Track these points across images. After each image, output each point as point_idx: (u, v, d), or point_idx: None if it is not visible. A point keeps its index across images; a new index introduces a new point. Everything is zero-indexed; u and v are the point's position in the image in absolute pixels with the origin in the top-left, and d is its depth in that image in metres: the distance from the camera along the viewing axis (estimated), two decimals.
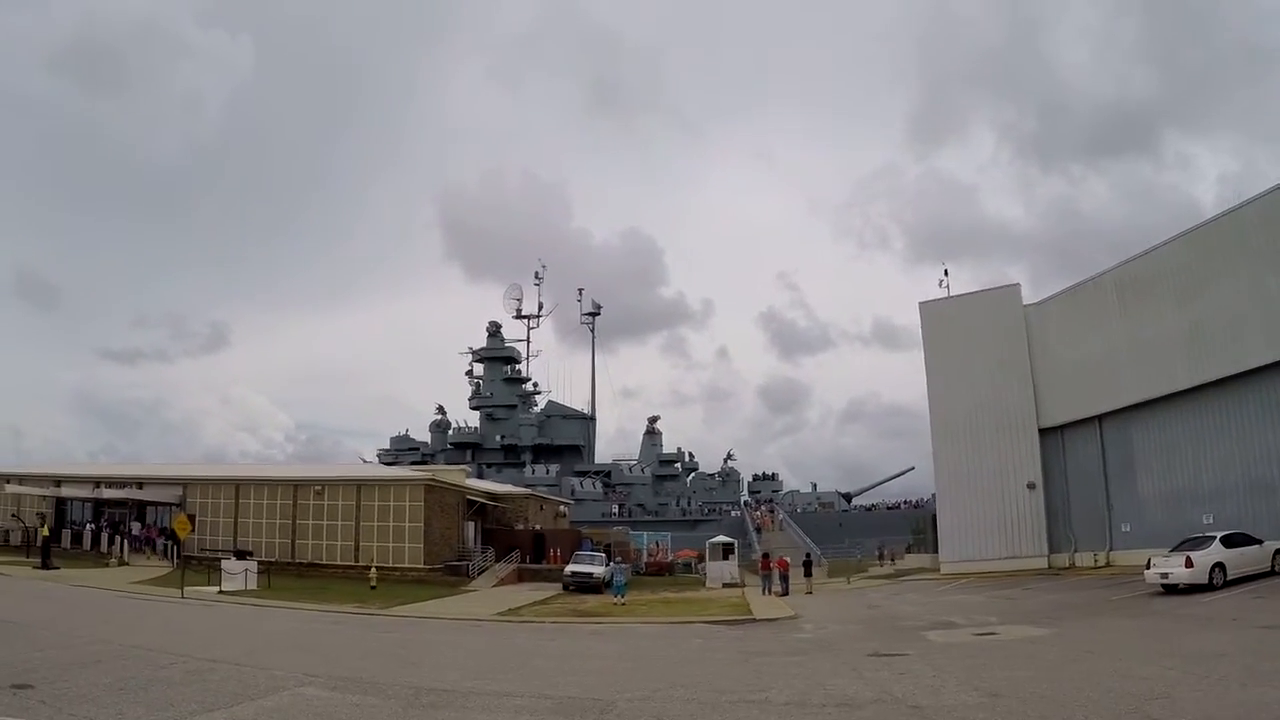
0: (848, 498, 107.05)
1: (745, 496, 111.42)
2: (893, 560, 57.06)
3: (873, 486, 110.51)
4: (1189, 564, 23.62)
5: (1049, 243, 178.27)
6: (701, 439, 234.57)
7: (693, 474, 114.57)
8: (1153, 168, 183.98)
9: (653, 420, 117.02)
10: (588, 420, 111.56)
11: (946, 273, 48.32)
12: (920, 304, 45.42)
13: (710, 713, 10.62)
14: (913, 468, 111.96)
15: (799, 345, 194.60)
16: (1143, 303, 35.68)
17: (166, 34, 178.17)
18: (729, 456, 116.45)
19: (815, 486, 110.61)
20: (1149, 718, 9.57)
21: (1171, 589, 23.95)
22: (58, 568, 37.17)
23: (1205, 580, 23.39)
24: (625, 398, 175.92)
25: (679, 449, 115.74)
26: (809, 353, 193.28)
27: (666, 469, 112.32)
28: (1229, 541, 24.77)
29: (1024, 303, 42.66)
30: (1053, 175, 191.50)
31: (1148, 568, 24.82)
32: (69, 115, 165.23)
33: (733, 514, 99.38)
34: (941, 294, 46.53)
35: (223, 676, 12.73)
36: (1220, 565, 23.85)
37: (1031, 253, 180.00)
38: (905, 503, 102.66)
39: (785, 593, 35.73)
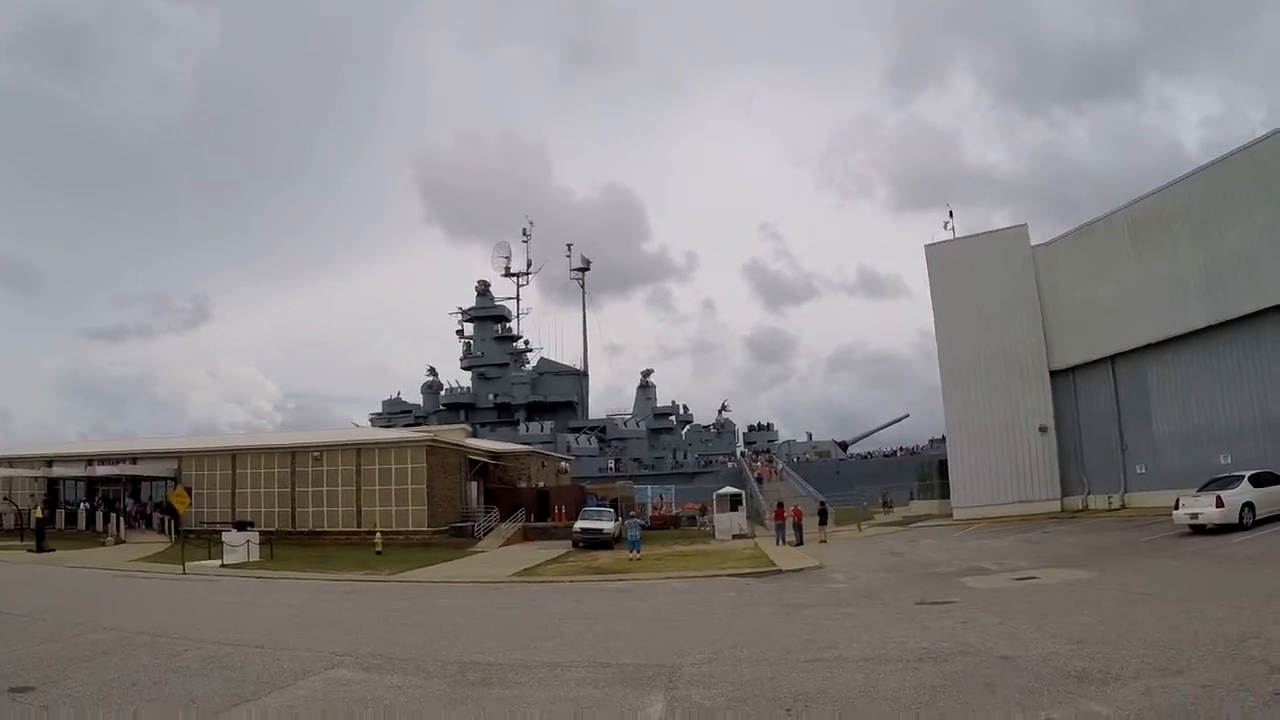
0: (844, 446, 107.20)
1: (741, 448, 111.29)
2: (891, 507, 56.83)
3: (868, 435, 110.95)
4: (1219, 504, 23.43)
5: (1033, 187, 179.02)
6: (691, 392, 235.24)
7: (688, 426, 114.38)
8: (1135, 110, 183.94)
9: (646, 374, 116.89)
10: (580, 376, 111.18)
11: (951, 214, 47.04)
12: (926, 246, 44.76)
13: (787, 672, 9.95)
14: (907, 415, 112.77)
15: (784, 296, 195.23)
16: (1157, 241, 35.11)
17: (133, 11, 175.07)
18: (724, 408, 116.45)
19: (811, 436, 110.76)
20: (1254, 659, 9.07)
21: (1199, 529, 23.83)
22: (53, 549, 36.37)
23: (1236, 520, 23.27)
24: (612, 353, 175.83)
25: (673, 402, 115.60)
26: (794, 303, 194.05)
27: (661, 422, 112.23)
28: (1257, 481, 24.62)
29: (1032, 243, 42.06)
30: (1035, 119, 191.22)
31: (1176, 508, 24.60)
32: (38, 97, 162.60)
33: (729, 465, 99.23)
34: (946, 236, 45.99)
35: (243, 662, 11.66)
36: (1250, 505, 23.74)
37: (1016, 197, 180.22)
38: (901, 449, 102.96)
39: (800, 542, 35.34)
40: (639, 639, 13.05)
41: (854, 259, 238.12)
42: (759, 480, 70.96)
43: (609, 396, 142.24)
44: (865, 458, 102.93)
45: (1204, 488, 24.77)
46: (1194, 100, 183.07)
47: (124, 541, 41.61)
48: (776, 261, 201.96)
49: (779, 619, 14.83)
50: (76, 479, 49.16)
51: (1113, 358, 37.73)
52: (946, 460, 47.15)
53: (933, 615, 13.86)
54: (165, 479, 47.68)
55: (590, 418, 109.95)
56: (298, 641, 13.61)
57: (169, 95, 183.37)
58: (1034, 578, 18.59)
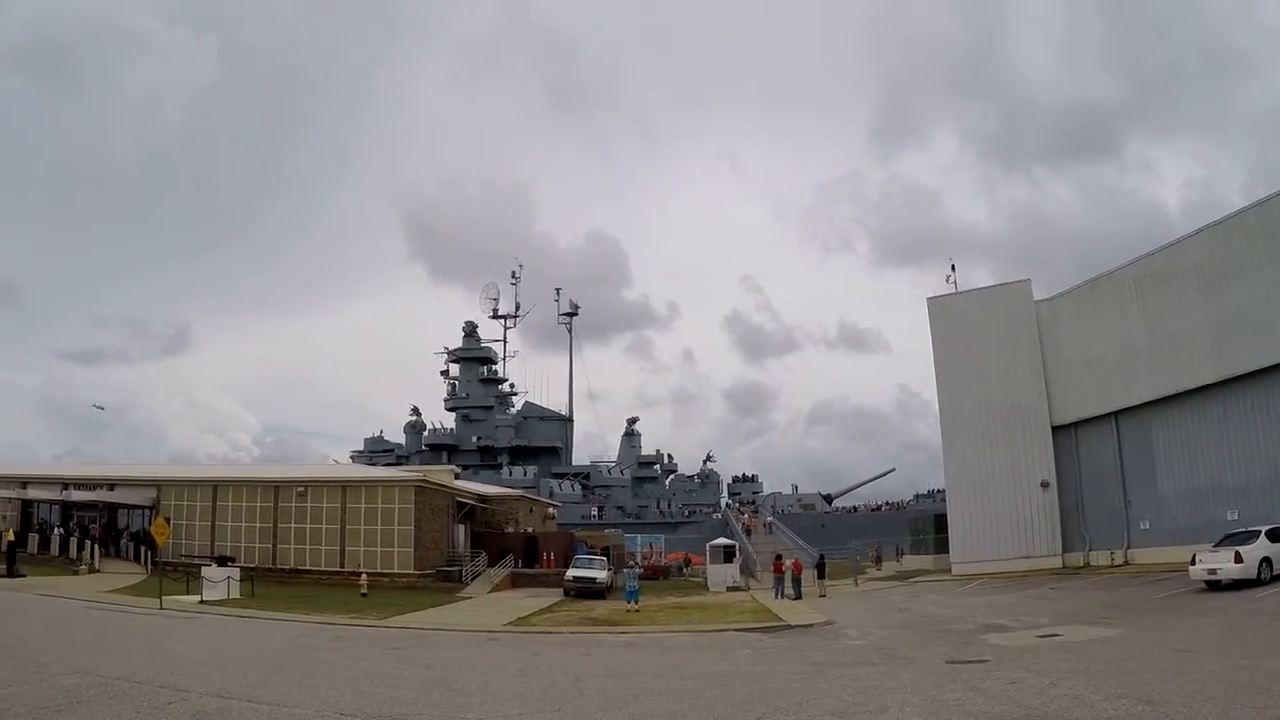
0: (829, 499, 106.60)
1: (726, 499, 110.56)
2: (879, 563, 56.22)
3: (853, 488, 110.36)
4: (1238, 559, 22.96)
5: (1012, 244, 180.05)
6: (670, 441, 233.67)
7: (672, 476, 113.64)
8: (1116, 171, 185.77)
9: (632, 421, 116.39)
10: (565, 422, 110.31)
11: (954, 268, 47.10)
12: (928, 299, 44.77)
13: None
14: (893, 469, 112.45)
15: (765, 348, 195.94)
16: (1164, 297, 35.01)
17: (124, 32, 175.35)
18: (709, 458, 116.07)
19: (796, 488, 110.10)
20: None
21: (1214, 585, 23.35)
22: (24, 575, 35.42)
23: (1254, 575, 22.83)
24: (591, 400, 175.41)
25: (658, 450, 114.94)
26: (775, 355, 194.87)
27: (646, 471, 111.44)
28: (1274, 535, 24.16)
29: (1035, 298, 41.89)
30: (1015, 177, 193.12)
31: (1193, 564, 24.10)
32: (24, 113, 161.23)
33: (714, 516, 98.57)
34: (946, 290, 45.90)
35: None
36: (1267, 560, 23.33)
37: (996, 255, 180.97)
38: (887, 504, 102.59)
39: (799, 596, 34.66)
40: (671, 701, 12.14)
41: (835, 313, 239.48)
42: (746, 532, 70.30)
43: (589, 443, 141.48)
44: (851, 511, 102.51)
45: (1220, 543, 24.30)
46: (1175, 162, 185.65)
47: (98, 570, 40.40)
48: (758, 314, 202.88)
49: (810, 679, 14.07)
50: (51, 503, 47.91)
51: (1116, 413, 37.42)
52: (940, 514, 46.78)
53: (974, 675, 13.17)
54: (143, 507, 46.59)
55: (574, 463, 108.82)
56: (294, 696, 12.39)
57: (157, 119, 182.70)
58: (1059, 635, 18.00)
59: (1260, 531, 24.13)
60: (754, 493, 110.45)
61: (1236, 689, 10.35)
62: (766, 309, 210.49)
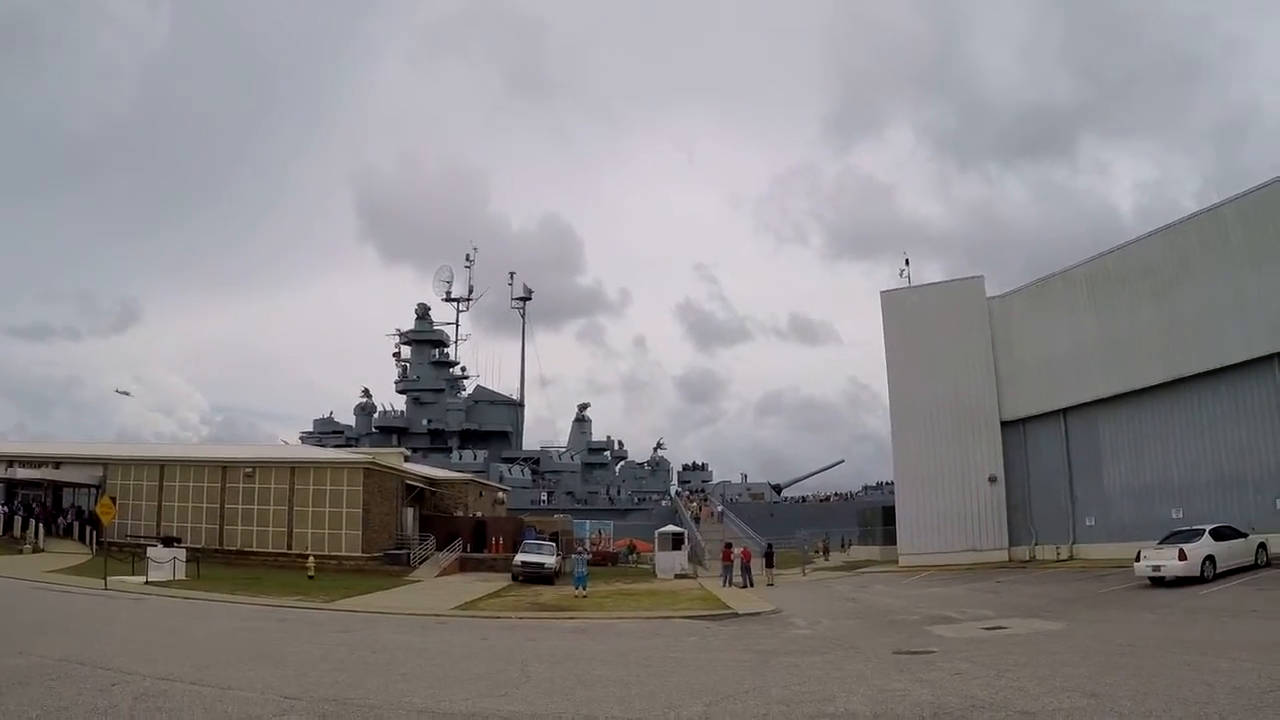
0: (778, 489, 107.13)
1: (675, 486, 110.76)
2: (826, 554, 56.46)
3: (803, 478, 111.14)
4: (1182, 556, 23.25)
5: (965, 241, 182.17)
6: (621, 428, 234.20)
7: (622, 463, 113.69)
8: (1070, 171, 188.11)
9: (583, 408, 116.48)
10: (516, 406, 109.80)
11: (908, 262, 47.41)
12: (881, 293, 44.92)
13: None
14: (842, 460, 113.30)
15: (716, 337, 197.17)
16: (1115, 297, 35.47)
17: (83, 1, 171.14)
18: (659, 446, 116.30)
19: (745, 477, 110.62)
20: None
21: (1159, 581, 23.62)
22: None
23: (1197, 573, 23.12)
24: (542, 385, 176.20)
25: (608, 437, 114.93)
26: (726, 345, 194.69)
27: (596, 457, 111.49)
28: (1218, 534, 24.64)
29: (987, 295, 42.21)
30: (970, 174, 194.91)
31: (1138, 560, 24.40)
32: None
33: (663, 503, 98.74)
34: (900, 284, 46.10)
35: (181, 704, 10.17)
36: (1211, 558, 23.63)
37: (949, 250, 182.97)
38: (836, 495, 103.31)
39: (748, 584, 34.67)
40: (617, 688, 11.97)
41: (787, 304, 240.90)
42: (696, 520, 70.38)
43: (539, 428, 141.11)
44: (800, 501, 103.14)
45: (1165, 540, 24.65)
46: (1129, 165, 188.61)
47: (43, 550, 39.50)
48: (710, 303, 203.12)
49: (757, 667, 13.98)
50: None
51: (1065, 410, 37.90)
52: (888, 507, 47.10)
53: (919, 666, 13.18)
54: (89, 486, 45.68)
55: (524, 448, 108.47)
56: (239, 679, 12.14)
57: (111, 88, 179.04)
58: (1004, 628, 18.11)
59: (1205, 530, 24.56)
60: (703, 481, 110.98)
61: (1180, 684, 10.38)
62: (719, 298, 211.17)
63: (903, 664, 13.62)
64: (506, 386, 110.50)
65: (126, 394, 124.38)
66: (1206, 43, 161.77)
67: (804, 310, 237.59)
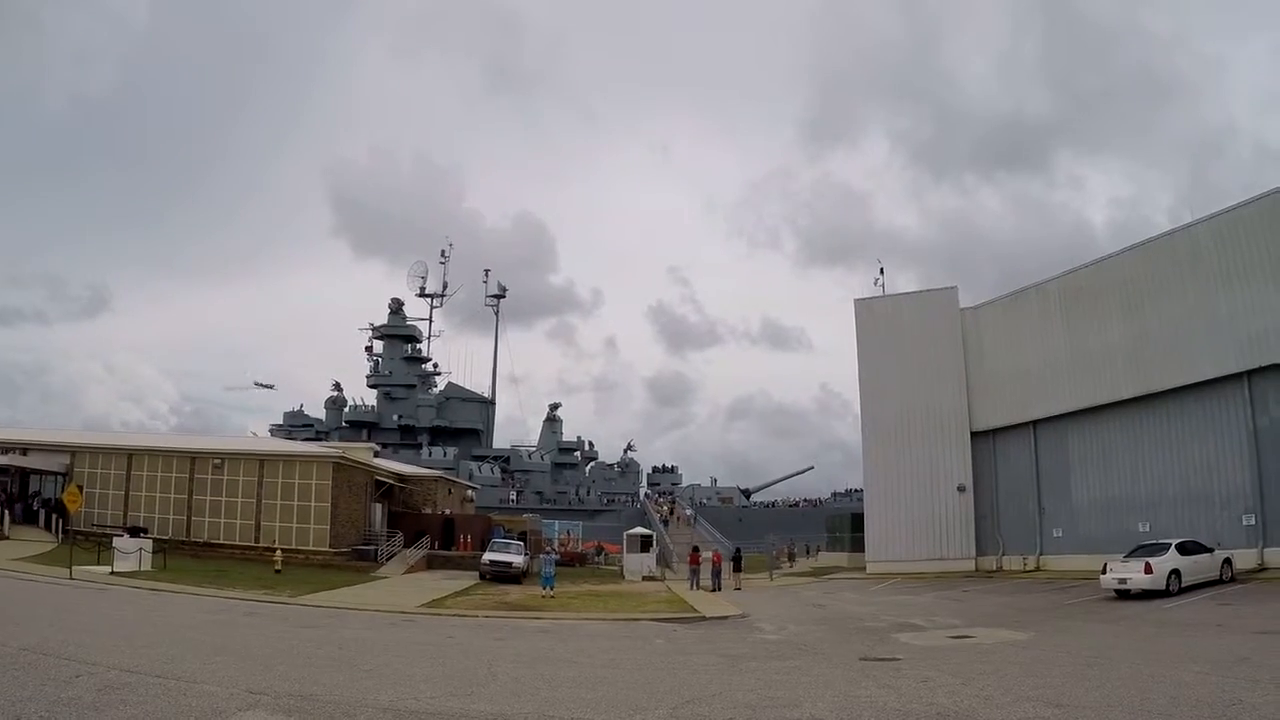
0: (747, 494, 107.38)
1: (645, 489, 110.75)
2: (792, 559, 56.58)
3: (772, 483, 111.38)
4: (1148, 570, 23.46)
5: (939, 251, 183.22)
6: (591, 429, 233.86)
7: (592, 464, 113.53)
8: (1045, 185, 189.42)
9: (554, 408, 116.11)
10: (487, 404, 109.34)
11: (882, 271, 48.02)
12: (855, 301, 45.24)
13: None
14: (812, 467, 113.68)
15: (688, 340, 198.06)
16: (1087, 312, 35.78)
17: None
18: (629, 447, 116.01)
19: (715, 481, 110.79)
20: None
21: (1124, 594, 23.83)
22: None
23: (1163, 586, 23.32)
24: (511, 383, 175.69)
25: (579, 437, 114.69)
26: (697, 348, 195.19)
27: (566, 457, 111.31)
28: (1184, 549, 24.85)
29: (961, 306, 42.42)
30: (945, 184, 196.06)
31: (1104, 572, 24.60)
32: None
33: (632, 505, 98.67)
34: (874, 292, 46.34)
35: (145, 696, 10.02)
36: (1176, 572, 23.82)
37: (921, 260, 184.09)
38: (804, 500, 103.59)
39: (717, 588, 34.69)
40: (584, 689, 11.90)
41: (759, 310, 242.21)
42: (665, 523, 70.39)
43: (508, 427, 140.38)
44: (769, 506, 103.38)
45: (1132, 553, 24.86)
46: (1104, 181, 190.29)
47: (7, 537, 38.90)
48: (682, 305, 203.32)
49: (724, 671, 13.95)
50: None
51: (1035, 422, 38.22)
52: (857, 513, 47.26)
53: (886, 673, 13.18)
54: (56, 474, 45.07)
55: (494, 447, 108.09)
56: (203, 672, 12.02)
57: (88, 73, 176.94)
58: (970, 637, 18.20)
59: (1171, 544, 24.78)
60: (673, 484, 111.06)
61: (1145, 695, 10.45)
62: (691, 301, 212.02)
63: (869, 671, 13.62)
64: (477, 384, 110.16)
65: (270, 387, 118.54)
66: (1183, 61, 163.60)
67: (776, 316, 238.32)
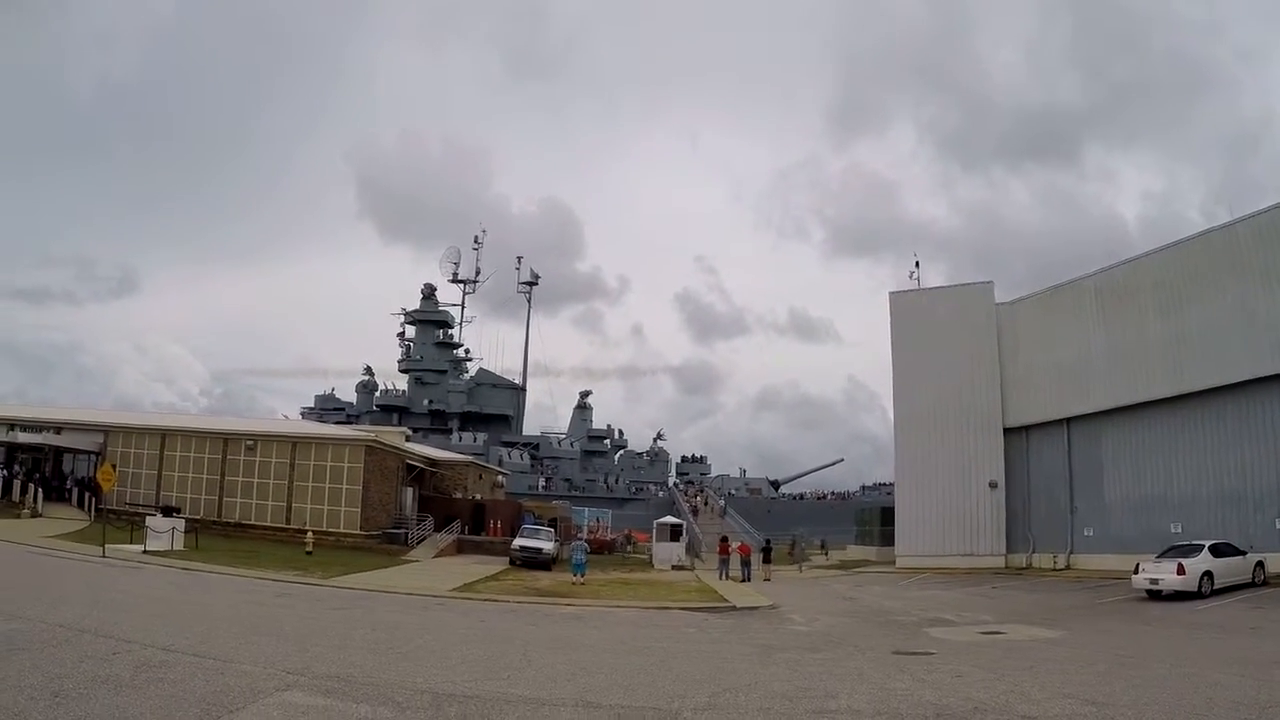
0: (776, 485, 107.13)
1: (674, 478, 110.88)
2: (826, 551, 56.63)
3: (801, 475, 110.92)
4: (1181, 571, 23.26)
5: (967, 243, 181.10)
6: (617, 417, 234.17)
7: (621, 452, 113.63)
8: (1075, 177, 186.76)
9: (584, 395, 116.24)
10: (518, 390, 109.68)
11: (918, 264, 47.67)
12: (890, 294, 45.08)
13: None
14: (842, 459, 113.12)
15: (715, 329, 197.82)
16: (1124, 310, 35.40)
17: None
18: (659, 436, 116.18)
19: (744, 472, 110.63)
20: None
21: (1155, 594, 23.62)
22: None
23: (1195, 588, 23.11)
24: (545, 372, 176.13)
25: (608, 425, 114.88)
26: (724, 338, 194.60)
27: (595, 445, 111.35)
28: (1216, 551, 24.62)
29: (996, 301, 42.23)
30: (974, 176, 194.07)
31: (1136, 572, 24.38)
32: None
33: (660, 494, 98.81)
34: (909, 285, 46.19)
35: (183, 675, 10.16)
36: (1209, 574, 23.61)
37: (950, 252, 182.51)
38: (833, 494, 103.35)
39: (747, 579, 34.79)
40: (619, 675, 12.04)
41: (786, 300, 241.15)
42: (694, 513, 70.50)
43: (536, 414, 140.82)
44: (797, 499, 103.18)
45: (1164, 554, 24.67)
46: (1135, 175, 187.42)
47: (41, 515, 39.64)
48: (709, 294, 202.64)
49: (757, 661, 14.05)
50: None
51: (1069, 420, 37.90)
52: (886, 507, 47.13)
53: (919, 667, 13.24)
54: (90, 453, 45.85)
55: (524, 433, 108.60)
56: (240, 652, 12.16)
57: (114, 55, 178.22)
58: (1002, 633, 18.23)
59: (1204, 545, 24.60)
60: (701, 474, 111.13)
61: (1180, 696, 10.44)
62: (718, 290, 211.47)
63: (902, 664, 13.67)
64: (507, 370, 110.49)
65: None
66: (1218, 51, 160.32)
67: (803, 306, 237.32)
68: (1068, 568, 36.03)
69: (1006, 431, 40.54)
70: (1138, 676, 12.11)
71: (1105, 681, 11.65)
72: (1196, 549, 24.42)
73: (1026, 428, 40.11)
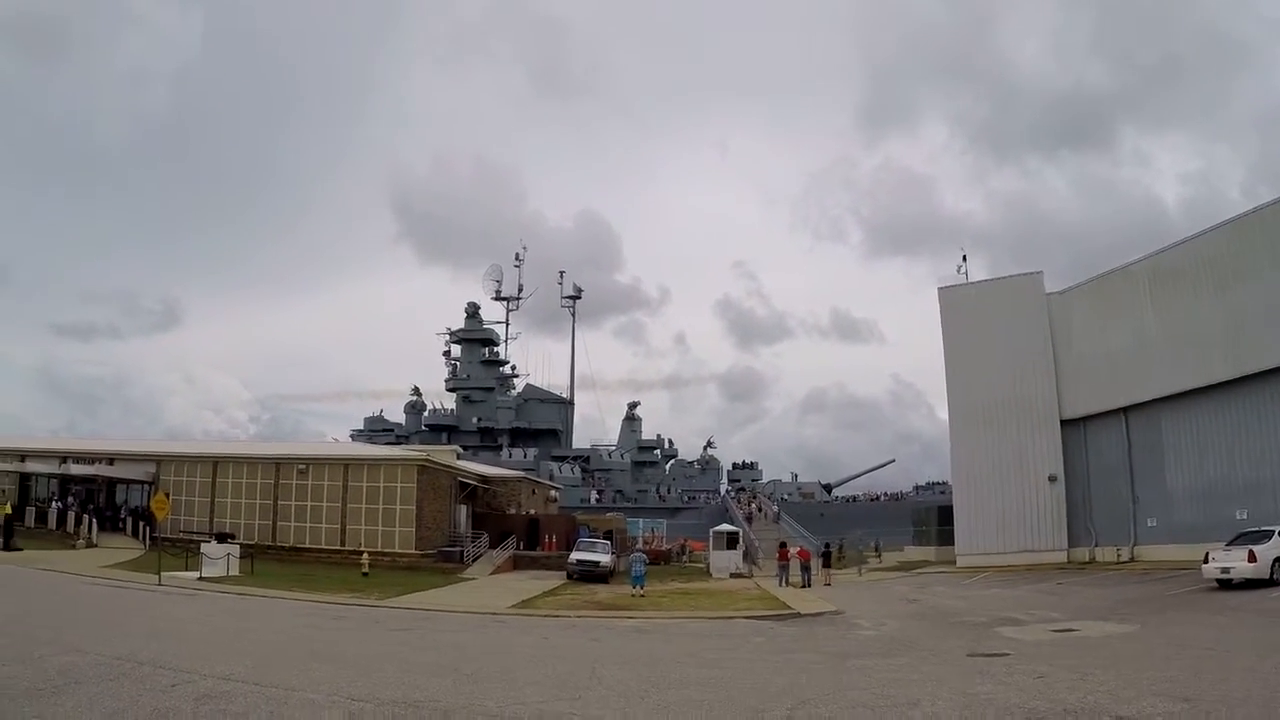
0: (828, 489, 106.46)
1: (725, 485, 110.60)
2: (880, 553, 56.11)
3: (853, 478, 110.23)
4: (1252, 558, 22.71)
5: (1004, 235, 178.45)
6: (665, 426, 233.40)
7: (672, 461, 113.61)
8: (1109, 163, 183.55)
9: (633, 406, 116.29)
10: (566, 404, 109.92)
11: (965, 259, 47.04)
12: (939, 289, 44.58)
13: None
14: (893, 460, 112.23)
15: (757, 335, 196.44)
16: (1177, 293, 34.86)
17: (113, 4, 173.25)
18: (709, 444, 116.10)
19: (795, 476, 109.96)
20: None
21: (1226, 584, 23.13)
22: (20, 549, 35.44)
23: (1266, 575, 22.56)
24: (592, 385, 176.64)
25: (658, 435, 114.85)
26: (767, 343, 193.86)
27: (646, 455, 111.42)
28: None
29: (1046, 291, 41.71)
30: (1007, 166, 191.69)
31: (1205, 561, 23.86)
32: (6, 81, 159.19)
33: (713, 502, 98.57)
34: (957, 280, 45.72)
35: (245, 706, 9.96)
36: None
37: (988, 245, 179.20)
38: (886, 494, 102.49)
39: (807, 584, 34.58)
40: (693, 690, 11.86)
41: (826, 302, 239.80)
42: (748, 520, 70.24)
43: (584, 427, 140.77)
44: (850, 501, 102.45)
45: (1234, 541, 24.08)
46: (1171, 156, 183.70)
47: (95, 545, 40.19)
48: (749, 300, 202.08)
49: (831, 670, 13.87)
50: (49, 476, 47.73)
51: (1126, 409, 37.33)
52: (943, 506, 46.67)
53: (998, 669, 13.00)
54: (142, 482, 46.50)
55: (573, 446, 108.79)
56: (301, 679, 11.86)
57: (145, 91, 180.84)
58: (1075, 630, 17.88)
59: (1274, 531, 23.86)
60: (753, 480, 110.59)
61: (1273, 689, 10.21)
62: (758, 295, 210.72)
63: (980, 666, 13.44)
64: (553, 384, 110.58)
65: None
66: (1249, 26, 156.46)
67: (845, 307, 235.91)
68: (1132, 560, 35.44)
69: (1063, 423, 39.96)
70: (1223, 670, 11.85)
71: (1190, 676, 11.39)
72: (1267, 534, 23.77)
73: (1083, 419, 39.54)
